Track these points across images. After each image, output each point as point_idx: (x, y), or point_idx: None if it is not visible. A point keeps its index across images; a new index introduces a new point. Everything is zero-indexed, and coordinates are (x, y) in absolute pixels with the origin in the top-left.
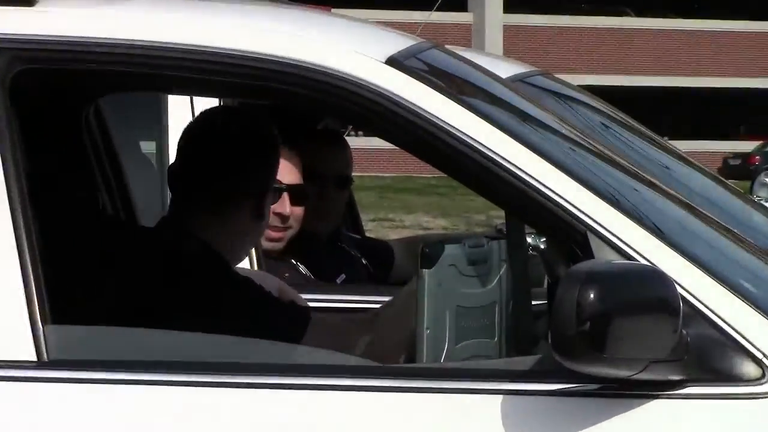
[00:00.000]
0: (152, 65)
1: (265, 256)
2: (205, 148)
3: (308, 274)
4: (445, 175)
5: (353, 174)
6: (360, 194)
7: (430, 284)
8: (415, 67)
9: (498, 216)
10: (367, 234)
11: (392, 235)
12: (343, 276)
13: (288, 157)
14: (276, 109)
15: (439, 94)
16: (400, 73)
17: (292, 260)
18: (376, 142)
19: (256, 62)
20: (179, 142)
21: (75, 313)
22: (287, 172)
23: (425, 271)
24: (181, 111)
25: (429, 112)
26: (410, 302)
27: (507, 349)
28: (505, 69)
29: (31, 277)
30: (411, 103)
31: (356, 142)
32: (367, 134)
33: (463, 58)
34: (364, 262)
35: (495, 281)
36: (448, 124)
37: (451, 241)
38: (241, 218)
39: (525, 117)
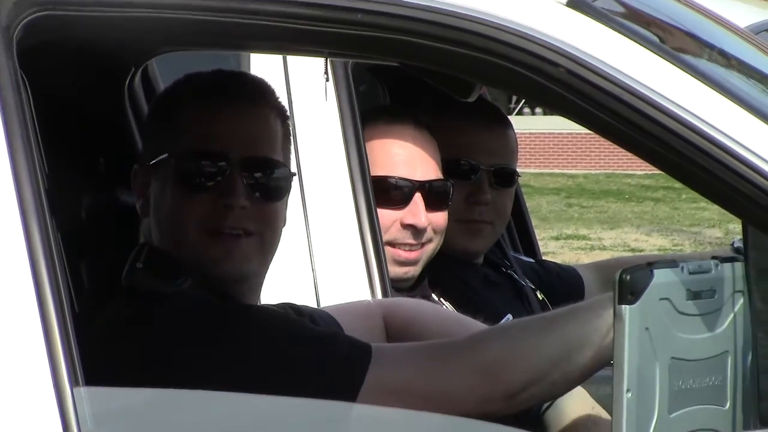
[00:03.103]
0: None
1: (394, 288)
2: None
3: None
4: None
5: (531, 171)
6: (539, 200)
7: (633, 327)
8: (610, 11)
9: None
10: (548, 258)
11: (585, 259)
12: (509, 317)
13: (420, 141)
14: (401, 73)
15: (648, 51)
16: (592, 20)
17: (432, 294)
18: (563, 124)
19: (372, 5)
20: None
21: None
22: (419, 163)
23: (625, 308)
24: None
25: (633, 78)
26: (601, 352)
27: (744, 419)
28: (743, 14)
29: (56, 325)
30: (607, 64)
31: (534, 123)
32: (548, 112)
33: None
34: (539, 296)
35: (727, 322)
36: (662, 96)
37: (662, 264)
38: (165, 214)
39: None
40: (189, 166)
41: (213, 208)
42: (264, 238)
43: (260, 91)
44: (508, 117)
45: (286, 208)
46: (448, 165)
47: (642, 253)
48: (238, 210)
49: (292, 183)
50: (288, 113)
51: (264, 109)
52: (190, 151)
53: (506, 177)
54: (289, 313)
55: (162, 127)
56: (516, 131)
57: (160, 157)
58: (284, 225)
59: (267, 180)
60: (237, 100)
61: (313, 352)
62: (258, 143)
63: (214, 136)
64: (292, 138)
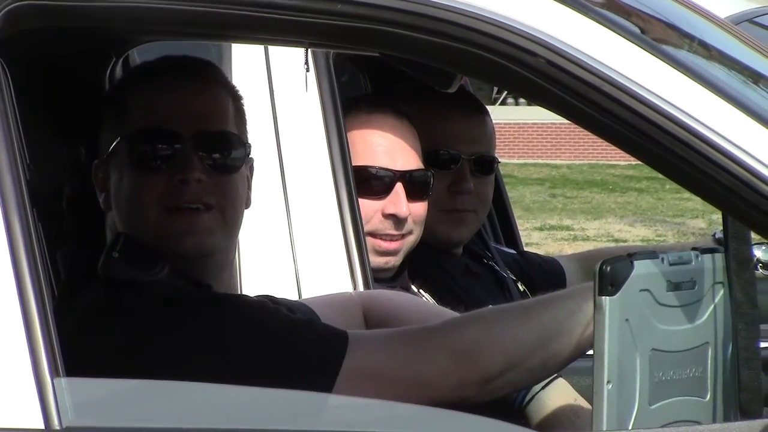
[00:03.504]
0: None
1: (375, 279)
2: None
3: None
4: None
5: (515, 161)
6: (523, 190)
7: (613, 318)
8: (589, 1)
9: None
10: (532, 249)
11: (568, 249)
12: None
13: (401, 131)
14: (382, 63)
15: (628, 42)
16: (571, 10)
17: (413, 285)
18: (547, 114)
19: None
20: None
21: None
22: (400, 153)
23: (605, 299)
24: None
25: (612, 69)
26: (579, 340)
27: (724, 410)
28: (728, 5)
29: (36, 317)
30: (586, 55)
31: (517, 114)
32: (530, 102)
33: None
34: (520, 287)
35: (707, 314)
36: (642, 87)
37: (642, 255)
38: (124, 192)
39: (755, 77)
40: (142, 147)
41: (169, 185)
42: (225, 212)
43: (206, 68)
44: (488, 106)
45: (248, 187)
46: (428, 155)
47: (625, 244)
48: (194, 184)
49: (251, 158)
50: (240, 93)
51: (212, 85)
52: (141, 131)
53: (487, 165)
54: (266, 302)
55: (112, 116)
56: (499, 121)
57: (114, 144)
58: (248, 206)
59: (222, 153)
60: (183, 77)
61: (289, 340)
62: (209, 118)
63: (163, 114)
64: (246, 117)
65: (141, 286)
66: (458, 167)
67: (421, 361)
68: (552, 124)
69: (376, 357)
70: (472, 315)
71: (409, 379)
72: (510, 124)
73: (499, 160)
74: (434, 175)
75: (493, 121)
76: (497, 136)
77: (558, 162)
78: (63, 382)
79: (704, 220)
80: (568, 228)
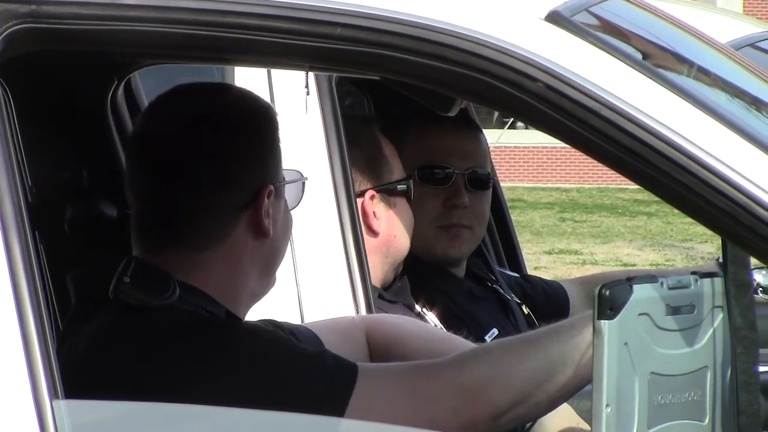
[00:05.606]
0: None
1: (378, 297)
2: (169, 147)
3: (440, 326)
4: None
5: (524, 185)
6: (532, 214)
7: (612, 342)
8: (589, 25)
9: None
10: (541, 273)
11: (577, 274)
12: (495, 332)
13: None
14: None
15: (627, 67)
16: (570, 35)
17: (416, 305)
18: (555, 139)
19: (350, 19)
20: (131, 150)
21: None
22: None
23: (604, 323)
24: None
25: (611, 93)
26: (582, 370)
27: None
28: (730, 30)
29: (35, 338)
30: (585, 79)
31: (527, 137)
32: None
33: (662, 12)
34: (525, 310)
35: (706, 338)
36: (641, 111)
37: (641, 279)
38: (236, 242)
39: (754, 102)
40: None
41: None
42: None
43: None
44: (498, 130)
45: None
46: (423, 171)
47: (634, 268)
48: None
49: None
50: None
51: None
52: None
53: (481, 180)
54: (277, 331)
55: (248, 156)
56: (509, 145)
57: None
58: None
59: None
60: None
61: (297, 375)
62: None
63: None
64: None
65: (152, 310)
66: (453, 182)
67: (431, 400)
68: (561, 148)
69: (385, 395)
70: (480, 350)
71: (419, 417)
72: (519, 147)
73: (495, 179)
74: (428, 191)
75: (503, 145)
76: (507, 160)
77: (567, 186)
78: (62, 404)
79: (713, 244)
80: (577, 252)
